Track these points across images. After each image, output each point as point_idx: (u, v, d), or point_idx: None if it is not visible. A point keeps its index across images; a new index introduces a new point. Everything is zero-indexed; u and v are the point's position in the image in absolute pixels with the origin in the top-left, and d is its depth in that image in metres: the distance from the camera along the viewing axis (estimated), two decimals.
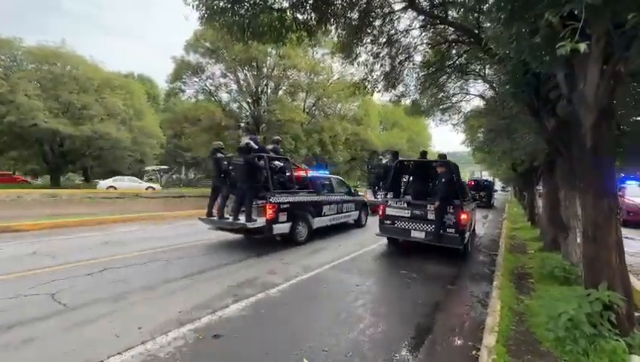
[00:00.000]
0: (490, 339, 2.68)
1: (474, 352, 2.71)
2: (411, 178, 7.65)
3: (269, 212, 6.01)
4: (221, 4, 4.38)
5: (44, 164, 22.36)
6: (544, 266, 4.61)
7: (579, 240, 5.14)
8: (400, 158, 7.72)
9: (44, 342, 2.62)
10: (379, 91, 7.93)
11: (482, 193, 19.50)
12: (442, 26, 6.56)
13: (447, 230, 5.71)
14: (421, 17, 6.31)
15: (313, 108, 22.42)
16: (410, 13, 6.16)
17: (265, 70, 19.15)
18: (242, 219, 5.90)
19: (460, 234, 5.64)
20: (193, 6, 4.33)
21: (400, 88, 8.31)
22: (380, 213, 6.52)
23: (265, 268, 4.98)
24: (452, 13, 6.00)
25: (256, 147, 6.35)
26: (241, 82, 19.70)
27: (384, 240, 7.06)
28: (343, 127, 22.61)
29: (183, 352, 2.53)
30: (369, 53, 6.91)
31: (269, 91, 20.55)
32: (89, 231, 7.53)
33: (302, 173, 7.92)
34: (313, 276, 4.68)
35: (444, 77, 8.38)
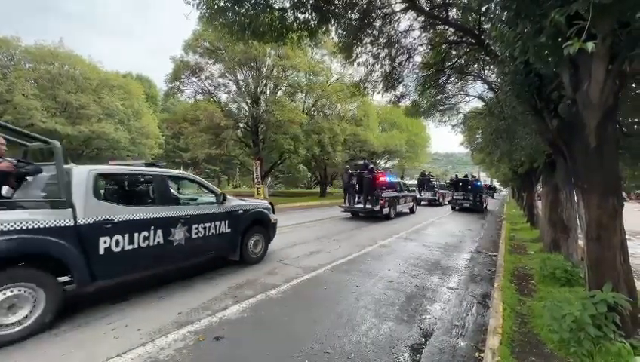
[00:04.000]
0: (493, 341, 2.66)
1: (477, 354, 2.69)
2: (461, 184, 18.11)
3: (382, 202, 11.28)
4: (222, 3, 4.35)
5: None
6: (545, 267, 4.59)
7: (580, 241, 5.14)
8: (458, 178, 19.66)
9: (42, 344, 2.58)
10: (379, 92, 7.96)
11: (490, 190, 32.83)
12: (442, 27, 6.56)
13: (478, 203, 16.60)
14: (421, 18, 6.31)
15: (312, 108, 22.40)
16: (411, 14, 6.15)
17: (264, 70, 19.11)
18: (368, 206, 11.32)
19: (482, 204, 16.95)
20: (194, 5, 4.30)
21: (400, 89, 8.30)
22: (450, 198, 18.24)
23: (264, 269, 4.94)
24: (452, 14, 6.01)
25: (373, 166, 11.95)
26: (240, 82, 19.65)
27: (381, 242, 7.63)
28: (342, 128, 22.58)
29: (183, 355, 2.49)
30: (369, 54, 6.90)
31: (268, 92, 20.51)
32: None
33: (386, 178, 12.57)
34: (313, 277, 4.65)
35: (443, 78, 8.39)
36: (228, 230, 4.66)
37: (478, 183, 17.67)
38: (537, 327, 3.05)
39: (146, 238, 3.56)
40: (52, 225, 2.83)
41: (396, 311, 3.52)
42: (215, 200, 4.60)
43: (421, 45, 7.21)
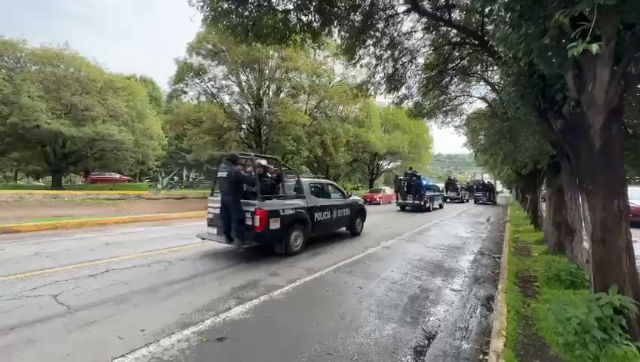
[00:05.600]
0: (498, 343, 2.64)
1: (481, 357, 2.67)
2: (480, 186, 30.89)
3: (425, 199, 17.11)
4: (225, 5, 4.39)
5: (46, 165, 22.40)
6: (549, 269, 4.56)
7: (585, 243, 5.10)
8: (478, 181, 34.07)
9: (47, 344, 2.60)
10: (381, 93, 7.96)
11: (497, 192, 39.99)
12: (445, 28, 6.55)
13: (490, 199, 28.99)
14: (424, 19, 6.32)
15: (315, 110, 22.44)
16: (413, 16, 6.16)
17: (267, 72, 19.19)
18: (416, 202, 16.80)
19: (494, 199, 29.51)
20: (198, 7, 4.34)
21: (402, 90, 8.31)
22: (473, 196, 30.61)
23: (267, 270, 4.95)
24: (455, 16, 6.00)
25: (420, 174, 18.50)
26: (243, 84, 19.75)
27: (383, 244, 7.62)
28: (345, 129, 22.58)
29: (186, 355, 2.50)
30: (372, 56, 6.92)
31: (270, 93, 20.58)
32: (90, 233, 7.51)
33: (427, 182, 18.44)
34: (316, 278, 4.65)
35: (446, 79, 8.38)
36: (349, 213, 7.91)
37: (491, 185, 30.41)
38: (542, 330, 3.03)
39: (325, 215, 6.91)
40: (304, 206, 6.23)
41: (399, 312, 3.51)
42: (342, 196, 7.96)
43: (424, 47, 7.21)
